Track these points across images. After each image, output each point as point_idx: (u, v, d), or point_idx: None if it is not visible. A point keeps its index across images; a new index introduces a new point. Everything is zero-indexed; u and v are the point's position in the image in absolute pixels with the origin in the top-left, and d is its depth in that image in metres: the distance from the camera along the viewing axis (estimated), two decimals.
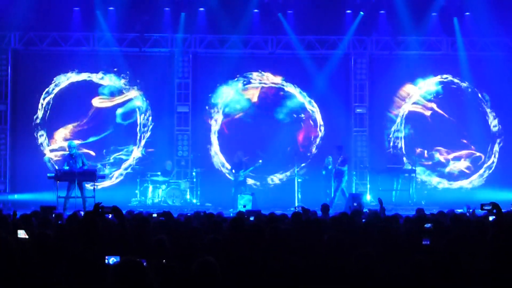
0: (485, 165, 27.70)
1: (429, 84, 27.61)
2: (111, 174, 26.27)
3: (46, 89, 26.51)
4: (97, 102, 26.67)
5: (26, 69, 26.71)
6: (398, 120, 27.59)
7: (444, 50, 27.54)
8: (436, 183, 27.43)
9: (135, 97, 26.93)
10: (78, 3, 26.12)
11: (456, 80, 27.72)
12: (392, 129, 27.56)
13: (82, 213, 15.13)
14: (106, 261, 7.77)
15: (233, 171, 25.44)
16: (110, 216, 10.36)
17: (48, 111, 26.47)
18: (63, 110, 26.53)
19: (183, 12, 26.54)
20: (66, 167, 21.94)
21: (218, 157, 27.16)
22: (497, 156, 27.73)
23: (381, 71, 27.54)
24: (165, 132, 27.05)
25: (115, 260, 7.75)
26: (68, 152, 22.62)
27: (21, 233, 9.49)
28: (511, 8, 26.15)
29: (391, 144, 27.33)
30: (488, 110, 27.74)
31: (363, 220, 13.09)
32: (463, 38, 27.21)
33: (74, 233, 9.51)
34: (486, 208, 10.17)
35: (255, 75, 27.33)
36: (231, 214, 19.28)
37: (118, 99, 26.86)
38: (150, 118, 26.95)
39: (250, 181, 26.36)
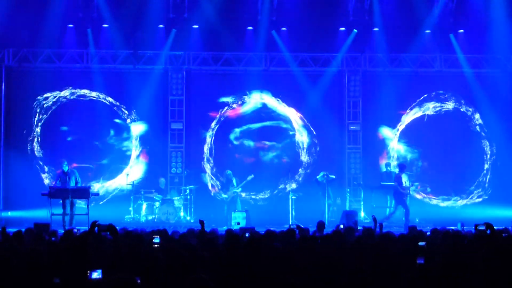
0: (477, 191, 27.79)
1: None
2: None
3: (40, 105, 26.48)
4: None
5: (20, 86, 26.66)
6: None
7: (438, 67, 27.60)
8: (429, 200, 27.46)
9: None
10: (72, 21, 26.12)
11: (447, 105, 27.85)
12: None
13: (75, 230, 15.11)
14: (89, 275, 7.74)
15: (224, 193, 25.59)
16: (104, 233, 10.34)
17: (41, 127, 26.48)
18: (58, 125, 26.55)
19: (177, 29, 26.52)
20: (58, 185, 22.04)
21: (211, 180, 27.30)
22: (488, 175, 27.75)
23: (375, 88, 27.56)
24: (159, 149, 27.04)
25: (97, 275, 7.73)
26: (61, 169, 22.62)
27: None
28: (504, 25, 26.26)
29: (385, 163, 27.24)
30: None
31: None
32: (457, 56, 27.29)
33: (67, 251, 9.49)
34: (480, 228, 10.19)
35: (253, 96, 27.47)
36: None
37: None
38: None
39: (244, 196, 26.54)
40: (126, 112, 26.92)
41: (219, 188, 26.53)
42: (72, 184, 22.08)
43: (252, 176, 25.23)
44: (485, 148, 27.83)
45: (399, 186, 23.83)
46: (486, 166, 27.82)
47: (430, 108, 27.79)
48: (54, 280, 8.14)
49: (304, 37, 26.81)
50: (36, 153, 26.44)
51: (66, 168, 22.37)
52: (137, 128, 26.88)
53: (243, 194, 26.23)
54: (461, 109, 27.86)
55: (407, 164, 25.27)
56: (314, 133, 27.45)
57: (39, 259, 8.61)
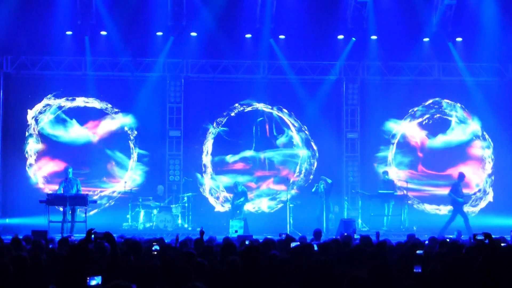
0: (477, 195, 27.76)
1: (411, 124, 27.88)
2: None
3: (37, 113, 26.46)
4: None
5: (18, 93, 26.63)
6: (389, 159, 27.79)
7: (436, 75, 27.61)
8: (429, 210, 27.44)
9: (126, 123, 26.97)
10: (71, 28, 26.08)
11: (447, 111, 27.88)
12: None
13: (72, 238, 15.11)
14: (88, 281, 7.73)
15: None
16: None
17: (39, 133, 26.46)
18: (57, 134, 26.54)
19: (175, 37, 26.49)
20: (60, 191, 21.99)
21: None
22: (490, 185, 27.72)
23: (373, 96, 27.55)
24: (157, 156, 27.01)
25: (96, 281, 7.72)
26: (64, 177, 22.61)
27: None
28: (502, 34, 26.26)
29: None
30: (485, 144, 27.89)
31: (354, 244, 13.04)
32: (455, 64, 27.29)
33: (64, 258, 9.47)
34: (478, 238, 10.17)
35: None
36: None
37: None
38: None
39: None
40: (124, 118, 26.91)
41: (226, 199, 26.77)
42: (73, 191, 22.03)
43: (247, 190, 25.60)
44: (484, 156, 27.82)
45: (453, 194, 24.00)
46: (485, 174, 27.80)
47: (427, 116, 27.81)
48: (50, 287, 8.14)
49: (302, 45, 26.80)
50: (34, 160, 26.41)
51: (70, 175, 22.34)
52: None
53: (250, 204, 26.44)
54: (459, 118, 27.85)
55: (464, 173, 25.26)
56: (312, 141, 27.46)
57: (36, 266, 8.60)
